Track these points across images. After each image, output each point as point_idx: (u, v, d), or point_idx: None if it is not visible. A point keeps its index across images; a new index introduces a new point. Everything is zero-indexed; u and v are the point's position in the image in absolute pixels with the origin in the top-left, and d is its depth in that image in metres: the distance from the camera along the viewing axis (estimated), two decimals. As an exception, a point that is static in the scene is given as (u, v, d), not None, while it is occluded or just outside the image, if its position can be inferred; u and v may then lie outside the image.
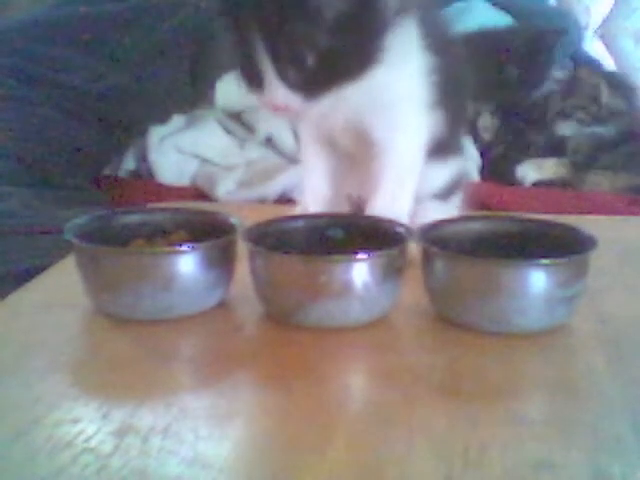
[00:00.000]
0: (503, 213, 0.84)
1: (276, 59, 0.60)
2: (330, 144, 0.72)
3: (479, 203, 0.79)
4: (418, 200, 0.71)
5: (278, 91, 0.61)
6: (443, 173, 0.75)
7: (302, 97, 0.62)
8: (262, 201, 1.13)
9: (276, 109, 0.63)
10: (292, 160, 1.22)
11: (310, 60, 0.60)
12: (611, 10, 1.77)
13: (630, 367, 0.54)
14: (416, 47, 0.66)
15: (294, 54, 0.60)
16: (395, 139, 0.68)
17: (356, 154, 0.71)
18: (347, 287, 0.57)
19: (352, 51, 0.61)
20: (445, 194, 0.76)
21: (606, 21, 1.77)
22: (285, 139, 1.24)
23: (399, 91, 0.66)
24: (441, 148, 0.71)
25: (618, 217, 0.99)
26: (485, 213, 0.78)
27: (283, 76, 0.61)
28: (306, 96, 0.62)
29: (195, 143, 1.24)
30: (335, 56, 0.60)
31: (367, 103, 0.66)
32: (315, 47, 0.59)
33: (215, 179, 1.18)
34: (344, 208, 0.74)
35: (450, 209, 0.75)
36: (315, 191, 0.74)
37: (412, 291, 0.63)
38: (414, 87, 0.67)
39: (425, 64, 0.67)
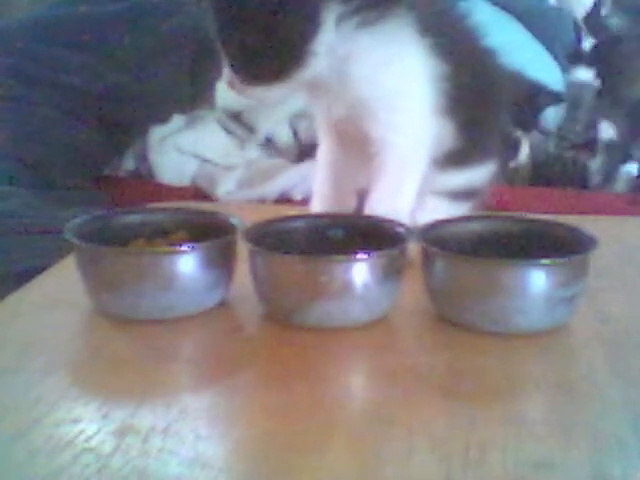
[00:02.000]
0: (503, 213, 0.84)
1: (225, 48, 0.66)
2: (339, 135, 0.73)
3: (479, 203, 0.79)
4: (423, 198, 0.71)
5: (225, 71, 0.67)
6: (459, 178, 0.74)
7: (242, 81, 0.66)
8: (262, 201, 1.13)
9: (229, 87, 0.68)
10: (292, 160, 1.22)
11: (240, 54, 0.65)
12: (611, 10, 1.76)
13: (630, 367, 0.54)
14: (412, 49, 0.66)
15: (229, 47, 0.65)
16: (391, 139, 0.67)
17: (362, 147, 0.71)
18: (347, 287, 0.57)
19: (278, 51, 0.64)
20: (459, 197, 0.75)
21: (606, 21, 1.77)
22: (285, 139, 1.24)
23: (392, 90, 0.66)
24: (457, 157, 0.71)
25: (618, 217, 0.99)
26: (485, 213, 0.77)
27: (230, 62, 0.66)
28: (244, 81, 0.66)
29: (195, 143, 1.24)
30: (262, 52, 0.64)
31: (362, 100, 0.66)
32: (242, 44, 0.64)
33: (215, 179, 1.18)
34: (352, 205, 0.73)
35: (458, 211, 0.74)
36: (323, 190, 0.74)
37: (412, 291, 0.63)
38: (413, 88, 0.67)
39: (426, 67, 0.66)
